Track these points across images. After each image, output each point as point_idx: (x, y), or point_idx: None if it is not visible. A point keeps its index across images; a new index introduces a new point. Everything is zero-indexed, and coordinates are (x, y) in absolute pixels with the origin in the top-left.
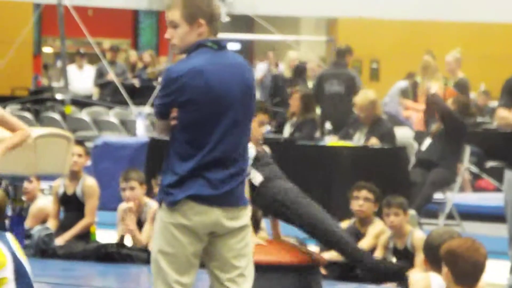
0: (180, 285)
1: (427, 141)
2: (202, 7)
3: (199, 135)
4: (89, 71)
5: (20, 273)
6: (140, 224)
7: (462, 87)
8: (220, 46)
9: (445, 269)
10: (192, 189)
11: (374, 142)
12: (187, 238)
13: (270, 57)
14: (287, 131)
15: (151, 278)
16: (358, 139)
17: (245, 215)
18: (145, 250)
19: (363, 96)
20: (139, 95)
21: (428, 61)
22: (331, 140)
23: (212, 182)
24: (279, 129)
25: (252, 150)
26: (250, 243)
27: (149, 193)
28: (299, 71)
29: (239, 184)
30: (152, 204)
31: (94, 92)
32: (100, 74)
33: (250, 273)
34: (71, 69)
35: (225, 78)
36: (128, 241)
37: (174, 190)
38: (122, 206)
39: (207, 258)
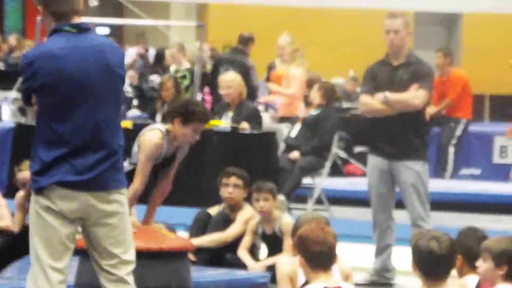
0: (54, 270)
1: (297, 127)
2: None
3: (58, 119)
4: None
5: None
6: None
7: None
8: (80, 29)
9: (299, 257)
10: (56, 175)
11: (244, 126)
12: (58, 221)
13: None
14: (159, 118)
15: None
16: (224, 123)
17: (118, 199)
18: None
19: (229, 75)
20: (4, 79)
21: (297, 47)
22: None
23: (77, 168)
24: (151, 115)
25: None
26: (128, 229)
27: (13, 178)
28: (158, 57)
29: (109, 168)
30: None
31: None
32: None
33: (131, 257)
34: None
35: (83, 60)
36: None
37: (39, 177)
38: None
39: (87, 245)
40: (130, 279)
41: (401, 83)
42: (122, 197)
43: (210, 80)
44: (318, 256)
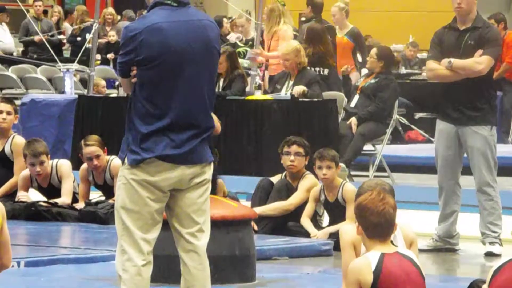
0: (146, 242)
1: (356, 97)
2: None
3: (158, 93)
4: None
5: None
6: (52, 187)
7: (355, 36)
8: (180, 3)
9: (356, 224)
10: (157, 149)
11: (297, 89)
12: (152, 195)
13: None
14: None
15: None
16: (285, 92)
17: (207, 171)
18: (75, 208)
19: (287, 44)
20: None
21: (272, 7)
22: (259, 95)
23: (175, 142)
24: None
25: None
26: (209, 199)
27: (77, 151)
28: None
29: (201, 142)
30: (62, 162)
31: (18, 49)
32: (26, 30)
33: (208, 228)
34: None
35: (184, 35)
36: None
37: (137, 149)
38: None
39: (168, 212)
40: (204, 253)
41: (467, 48)
42: (210, 170)
43: None
44: (377, 227)
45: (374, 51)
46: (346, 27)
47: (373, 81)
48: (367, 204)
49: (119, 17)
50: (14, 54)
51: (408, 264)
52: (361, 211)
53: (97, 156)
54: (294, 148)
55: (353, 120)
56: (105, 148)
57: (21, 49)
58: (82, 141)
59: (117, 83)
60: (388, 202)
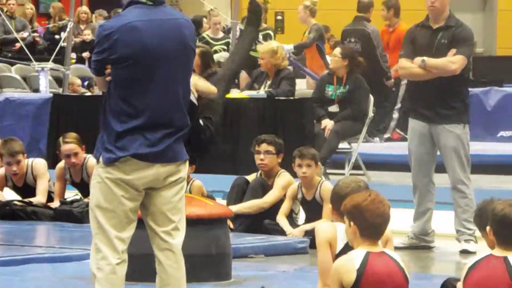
0: (120, 240)
1: (334, 107)
2: None
3: (134, 92)
4: None
5: None
6: (28, 186)
7: (316, 32)
8: (156, 2)
9: (350, 223)
10: (132, 148)
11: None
12: (127, 194)
13: None
14: None
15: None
16: (262, 91)
17: (182, 169)
18: (50, 207)
19: (265, 44)
20: (41, 50)
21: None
22: (236, 93)
23: (150, 140)
24: None
25: None
26: (184, 197)
27: (52, 149)
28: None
29: (176, 141)
30: (37, 161)
31: None
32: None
33: (183, 226)
34: None
35: (159, 33)
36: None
37: (112, 148)
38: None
39: (143, 211)
40: (179, 251)
41: (440, 47)
42: (185, 168)
43: None
44: (373, 227)
45: (338, 50)
46: (310, 24)
47: (344, 90)
48: (368, 205)
49: (93, 16)
50: None
51: (392, 265)
52: (361, 212)
53: (75, 154)
54: (264, 146)
55: (328, 124)
56: (83, 146)
57: None
58: (61, 138)
59: (86, 82)
60: (387, 203)
